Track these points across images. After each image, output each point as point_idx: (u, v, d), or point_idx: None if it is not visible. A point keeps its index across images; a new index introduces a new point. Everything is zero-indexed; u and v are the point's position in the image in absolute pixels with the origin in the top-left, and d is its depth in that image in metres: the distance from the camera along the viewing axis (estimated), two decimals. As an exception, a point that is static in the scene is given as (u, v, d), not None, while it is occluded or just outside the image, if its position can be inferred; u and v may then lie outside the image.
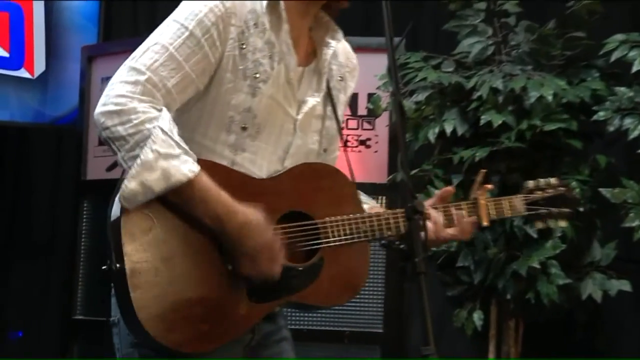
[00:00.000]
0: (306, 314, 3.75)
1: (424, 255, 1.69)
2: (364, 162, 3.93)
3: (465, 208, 2.10)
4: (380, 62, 3.72)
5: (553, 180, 2.21)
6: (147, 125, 1.82)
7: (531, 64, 3.72)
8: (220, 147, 1.94)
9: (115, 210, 1.85)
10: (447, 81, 3.66)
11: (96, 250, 4.28)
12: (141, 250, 1.82)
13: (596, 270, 3.60)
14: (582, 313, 3.76)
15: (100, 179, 4.30)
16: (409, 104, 3.70)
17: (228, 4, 1.91)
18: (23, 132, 5.15)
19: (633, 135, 3.45)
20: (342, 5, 2.05)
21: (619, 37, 3.57)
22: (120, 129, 1.82)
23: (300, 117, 2.01)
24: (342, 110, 2.15)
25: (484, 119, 3.58)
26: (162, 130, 1.82)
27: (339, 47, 2.11)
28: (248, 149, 1.95)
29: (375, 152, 3.99)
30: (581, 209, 3.23)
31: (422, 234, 1.71)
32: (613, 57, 3.55)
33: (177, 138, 1.84)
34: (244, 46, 1.93)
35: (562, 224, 2.20)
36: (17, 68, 4.87)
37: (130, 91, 1.84)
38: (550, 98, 3.49)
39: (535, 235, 3.55)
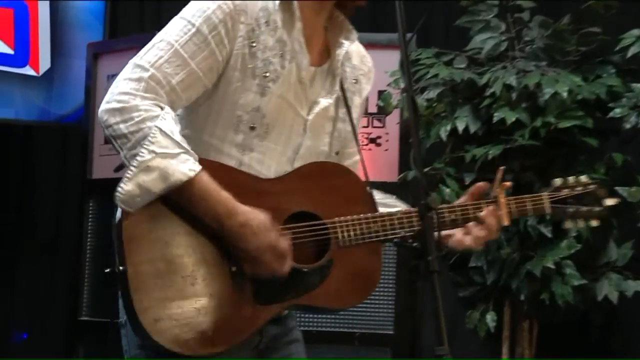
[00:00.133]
0: (315, 316, 3.73)
1: (437, 253, 1.67)
2: (374, 160, 3.91)
3: (484, 207, 2.04)
4: (390, 59, 3.71)
5: (583, 178, 2.13)
6: (148, 124, 1.81)
7: (545, 60, 3.71)
8: (228, 147, 1.93)
9: (118, 212, 1.84)
10: (459, 78, 3.65)
11: (102, 251, 4.28)
12: (143, 252, 1.81)
13: (612, 271, 3.58)
14: (597, 314, 3.75)
15: (106, 177, 4.28)
16: (420, 101, 3.69)
17: (238, 1, 1.90)
18: (28, 131, 5.14)
19: (649, 132, 3.45)
20: (357, 3, 2.03)
21: (636, 32, 3.55)
22: (122, 126, 1.82)
23: (311, 117, 1.99)
24: (358, 113, 2.12)
25: (497, 116, 3.56)
26: (160, 130, 1.81)
27: (352, 49, 2.09)
28: (256, 149, 1.94)
29: (386, 150, 3.97)
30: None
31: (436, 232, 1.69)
32: (629, 53, 3.53)
33: (177, 137, 1.83)
34: (254, 44, 1.91)
35: (594, 223, 2.12)
36: (22, 65, 4.86)
37: (133, 88, 1.84)
38: (565, 95, 3.48)
39: (549, 235, 3.54)
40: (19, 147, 5.20)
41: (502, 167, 2.08)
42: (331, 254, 1.94)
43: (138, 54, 1.89)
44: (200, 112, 1.94)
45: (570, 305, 3.52)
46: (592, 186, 2.12)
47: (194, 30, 1.88)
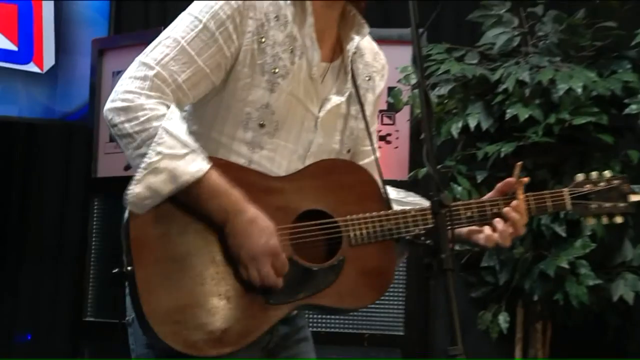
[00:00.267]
0: (323, 316, 3.72)
1: (451, 251, 1.66)
2: (384, 158, 3.83)
3: (502, 205, 2.02)
4: (400, 54, 3.69)
5: (606, 173, 2.10)
6: (154, 124, 1.81)
7: (559, 55, 3.69)
8: (238, 145, 1.92)
9: (126, 212, 1.84)
10: (471, 73, 3.64)
11: (107, 251, 4.27)
12: (151, 253, 1.81)
13: (628, 271, 3.57)
14: (612, 315, 3.73)
15: (112, 176, 4.27)
16: (431, 97, 3.67)
17: None
18: (32, 129, 5.13)
19: (666, 129, 3.44)
20: None
21: (652, 26, 3.55)
22: (127, 126, 1.82)
23: (322, 114, 1.98)
24: (371, 111, 2.10)
25: (509, 112, 3.55)
26: (166, 130, 1.81)
27: (365, 46, 2.08)
28: (266, 146, 1.93)
29: (396, 148, 3.95)
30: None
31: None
32: (646, 48, 3.54)
33: (183, 137, 1.82)
34: (263, 40, 1.90)
35: (618, 219, 2.08)
36: (26, 62, 4.85)
37: (138, 87, 1.83)
38: (579, 91, 3.46)
39: (563, 234, 3.53)
40: (23, 146, 5.18)
41: (519, 163, 2.06)
42: (343, 253, 1.93)
43: (144, 52, 1.89)
44: (208, 109, 1.93)
45: (585, 305, 3.51)
46: (616, 181, 2.09)
47: (201, 26, 1.87)
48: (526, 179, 2.04)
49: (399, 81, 3.76)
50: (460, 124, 3.65)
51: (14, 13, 4.82)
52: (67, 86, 4.93)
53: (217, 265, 1.85)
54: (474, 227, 2.02)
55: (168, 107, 1.83)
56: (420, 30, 1.81)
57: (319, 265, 1.91)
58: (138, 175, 1.80)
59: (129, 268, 1.80)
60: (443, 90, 3.71)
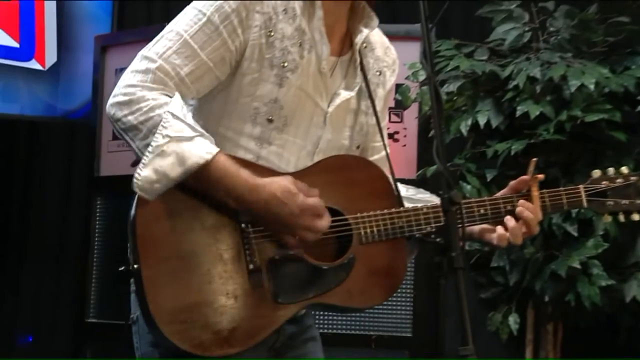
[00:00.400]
0: (331, 317, 3.71)
1: (462, 249, 1.64)
2: (392, 156, 3.84)
3: (516, 202, 2.01)
4: (408, 51, 3.68)
5: (624, 169, 2.08)
6: (158, 111, 1.81)
7: (571, 51, 3.69)
8: (245, 140, 1.92)
9: (132, 209, 1.83)
10: (480, 70, 3.63)
11: (110, 251, 4.26)
12: (158, 250, 1.80)
13: (641, 271, 3.56)
14: (625, 316, 3.72)
15: (115, 175, 4.27)
16: (441, 93, 3.66)
17: None
18: (34, 127, 5.12)
19: (681, 127, 3.44)
20: None
21: (667, 21, 3.55)
22: (131, 118, 1.82)
23: (331, 109, 1.98)
24: (382, 106, 2.10)
25: (520, 109, 3.54)
26: (173, 114, 1.80)
27: (376, 40, 2.07)
28: (275, 142, 1.92)
29: (404, 146, 3.94)
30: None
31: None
32: (660, 43, 3.53)
33: (190, 121, 1.82)
34: (272, 33, 1.89)
35: (635, 217, 2.06)
36: (28, 59, 4.85)
37: (140, 80, 1.84)
38: (591, 87, 3.45)
39: (575, 233, 3.52)
40: (24, 144, 5.18)
41: (534, 159, 2.04)
42: (353, 251, 1.92)
43: (147, 46, 1.88)
44: (215, 104, 1.93)
45: (597, 306, 3.50)
46: (633, 178, 2.07)
47: (204, 19, 1.86)
48: (541, 176, 2.02)
49: (406, 78, 3.75)
50: (469, 122, 3.64)
51: (15, 9, 4.82)
52: (69, 83, 4.93)
53: (225, 263, 1.84)
54: (486, 226, 2.01)
55: (170, 97, 1.83)
56: (430, 25, 1.79)
57: (329, 264, 1.90)
58: (145, 159, 1.79)
59: (135, 266, 1.80)
60: (452, 87, 3.70)
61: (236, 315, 1.83)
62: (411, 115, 3.92)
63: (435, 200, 2.05)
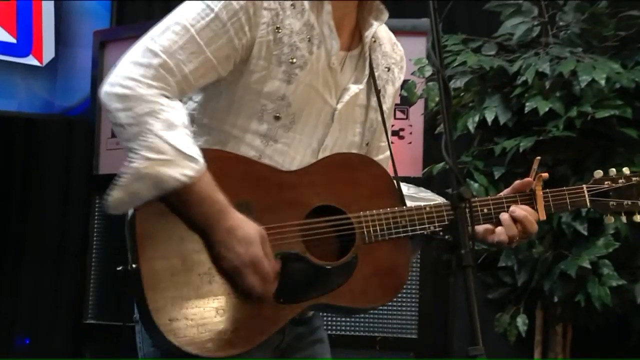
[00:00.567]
0: (335, 318, 3.70)
1: (471, 247, 1.63)
2: (397, 154, 3.80)
3: (520, 201, 2.02)
4: (414, 46, 3.68)
5: (626, 170, 2.12)
6: (147, 119, 1.78)
7: (581, 45, 3.69)
8: (251, 137, 1.90)
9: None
10: (488, 65, 3.63)
11: (109, 251, 4.26)
12: (157, 249, 1.79)
13: (653, 271, 3.57)
14: (637, 317, 3.71)
15: (114, 173, 4.21)
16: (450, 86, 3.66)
17: None
18: (31, 124, 5.12)
19: (694, 123, 3.44)
20: None
21: (679, 15, 3.54)
22: (121, 115, 1.80)
23: (340, 106, 1.97)
24: (390, 104, 2.09)
25: (529, 106, 3.54)
26: (156, 134, 1.77)
27: (384, 35, 2.07)
28: (280, 139, 1.91)
29: (409, 143, 3.93)
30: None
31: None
32: (672, 38, 3.53)
33: (174, 138, 1.78)
34: (279, 30, 1.88)
35: (637, 218, 2.09)
36: (25, 55, 4.85)
37: (141, 75, 1.81)
38: (602, 83, 3.45)
39: (585, 233, 3.52)
40: (22, 141, 5.18)
41: (537, 157, 2.06)
42: (356, 251, 1.91)
43: (150, 35, 1.85)
44: (222, 101, 1.91)
45: (608, 307, 3.50)
46: (635, 178, 2.11)
47: (212, 15, 1.85)
48: (545, 175, 2.04)
49: (412, 73, 3.74)
50: (477, 118, 3.63)
51: (12, 4, 4.82)
52: (67, 80, 4.93)
53: None
54: (489, 227, 2.01)
55: (168, 98, 1.81)
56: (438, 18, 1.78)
57: (331, 263, 1.89)
58: (122, 181, 1.78)
59: (133, 266, 1.79)
60: (459, 82, 3.70)
61: (238, 315, 1.82)
62: (417, 111, 3.91)
63: (437, 198, 2.05)
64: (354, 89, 1.98)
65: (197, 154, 1.79)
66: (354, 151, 2.01)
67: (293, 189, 1.89)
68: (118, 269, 1.81)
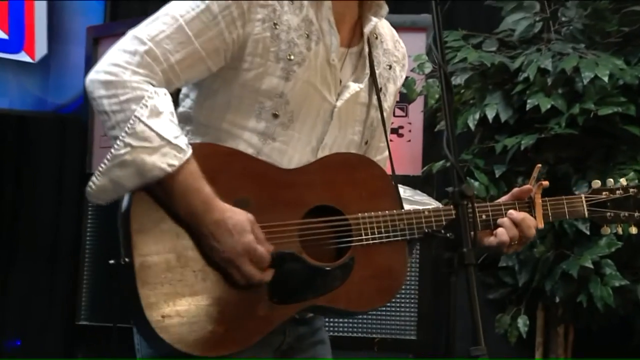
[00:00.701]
0: (332, 320, 3.70)
1: (472, 245, 1.63)
2: (396, 152, 3.82)
3: (518, 209, 2.03)
4: (414, 42, 3.68)
5: (623, 181, 2.15)
6: (132, 106, 1.77)
7: (584, 42, 3.69)
8: (249, 135, 1.89)
9: (125, 201, 1.81)
10: (489, 62, 3.63)
11: (102, 250, 4.26)
12: (152, 243, 1.78)
13: (656, 271, 3.57)
14: (639, 318, 3.71)
15: (107, 171, 4.25)
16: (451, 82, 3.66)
17: None
18: (23, 121, 5.11)
19: (698, 121, 3.45)
20: None
21: (684, 11, 3.55)
22: (105, 102, 1.79)
23: (339, 104, 1.96)
24: (392, 102, 2.08)
25: (530, 103, 3.53)
26: (140, 119, 1.76)
27: (386, 32, 2.06)
28: (278, 138, 1.90)
29: (409, 141, 3.93)
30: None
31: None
32: (677, 34, 3.53)
33: (160, 126, 1.77)
34: (277, 26, 1.87)
35: (633, 230, 2.14)
36: (17, 51, 4.84)
37: (126, 61, 1.80)
38: (605, 79, 3.45)
39: (587, 232, 3.52)
40: (14, 139, 5.16)
41: (538, 165, 2.09)
42: (353, 252, 1.91)
43: (139, 25, 1.85)
44: (218, 99, 1.90)
45: (610, 308, 3.50)
46: (633, 190, 2.14)
47: (203, 6, 1.84)
48: (545, 183, 2.06)
49: (412, 70, 3.73)
50: (477, 115, 3.63)
51: (4, -1, 4.81)
52: (60, 77, 4.93)
53: None
54: (486, 231, 2.02)
55: (153, 86, 1.80)
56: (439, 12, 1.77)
57: (328, 265, 1.89)
58: (102, 168, 1.77)
59: (126, 260, 1.77)
60: (460, 79, 3.69)
61: (232, 314, 1.81)
62: (416, 109, 3.90)
63: (432, 202, 2.07)
64: (354, 87, 1.97)
65: (184, 143, 1.78)
66: (353, 150, 2.00)
67: (291, 188, 1.88)
68: (110, 262, 1.80)
